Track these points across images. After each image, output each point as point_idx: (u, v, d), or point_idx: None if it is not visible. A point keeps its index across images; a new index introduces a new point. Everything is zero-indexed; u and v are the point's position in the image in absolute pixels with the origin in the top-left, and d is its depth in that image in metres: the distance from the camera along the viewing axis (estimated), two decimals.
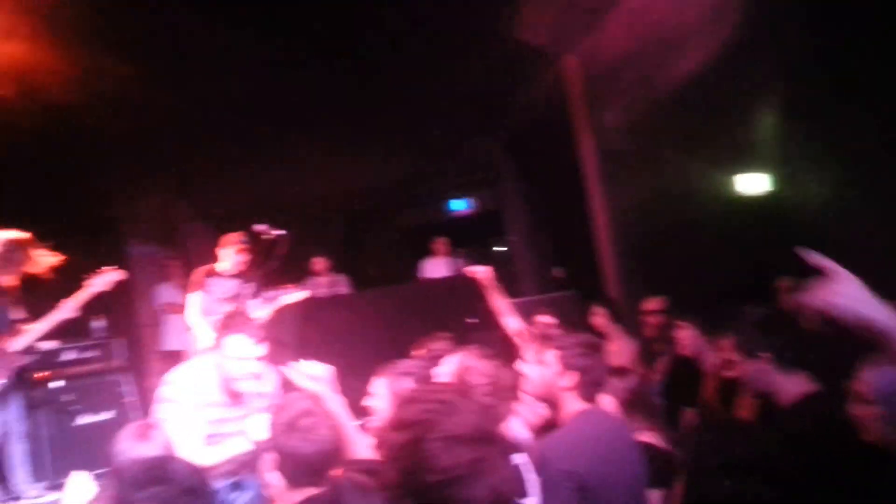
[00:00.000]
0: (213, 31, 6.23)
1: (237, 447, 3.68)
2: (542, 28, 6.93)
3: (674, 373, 5.36)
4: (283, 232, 6.36)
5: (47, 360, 5.99)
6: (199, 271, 6.39)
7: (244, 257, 6.39)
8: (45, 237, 5.29)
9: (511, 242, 11.29)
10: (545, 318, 5.22)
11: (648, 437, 3.61)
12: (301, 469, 2.50)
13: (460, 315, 7.06)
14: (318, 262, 9.08)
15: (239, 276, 6.42)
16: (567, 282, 9.55)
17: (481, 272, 5.20)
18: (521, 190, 10.35)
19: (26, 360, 5.18)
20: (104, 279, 5.23)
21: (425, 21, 6.52)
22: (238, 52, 6.60)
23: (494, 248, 12.75)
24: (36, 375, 5.86)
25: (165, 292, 8.54)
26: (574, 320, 5.52)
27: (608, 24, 6.84)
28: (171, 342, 8.31)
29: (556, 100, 7.80)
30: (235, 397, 3.86)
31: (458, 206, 11.69)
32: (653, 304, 6.01)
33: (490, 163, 10.34)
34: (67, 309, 5.15)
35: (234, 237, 6.41)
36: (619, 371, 4.26)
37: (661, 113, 6.63)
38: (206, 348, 5.45)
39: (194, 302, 6.29)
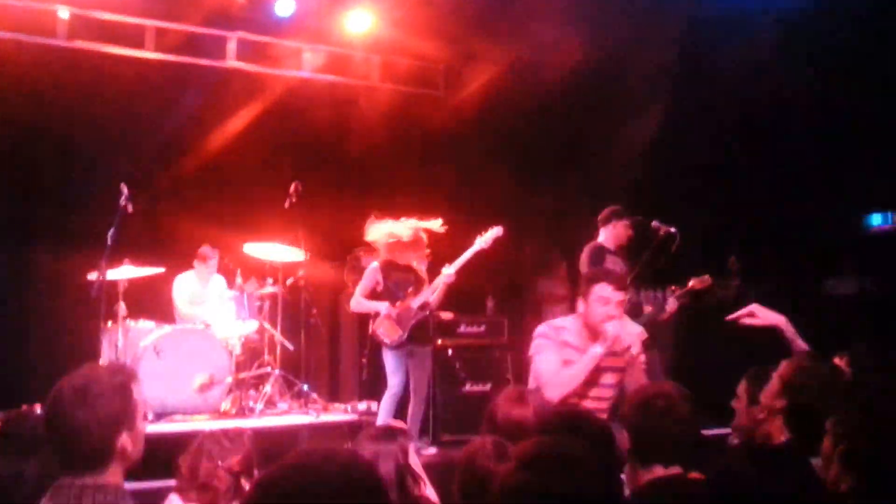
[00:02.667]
0: None
1: None
2: None
3: None
4: (673, 230, 6.19)
5: (445, 330, 6.57)
6: (589, 248, 6.35)
7: (625, 233, 6.33)
8: None
9: None
10: None
11: None
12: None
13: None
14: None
15: (620, 252, 6.34)
16: None
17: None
18: None
19: (424, 314, 5.79)
20: (487, 237, 5.70)
21: None
22: None
23: None
24: (437, 343, 6.52)
25: (545, 283, 8.80)
26: None
27: None
28: None
29: None
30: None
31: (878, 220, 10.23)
32: None
33: None
34: (459, 262, 5.78)
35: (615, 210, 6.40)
36: None
37: None
38: None
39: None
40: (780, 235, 7.13)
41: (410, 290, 5.88)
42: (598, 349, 3.96)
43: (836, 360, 3.40)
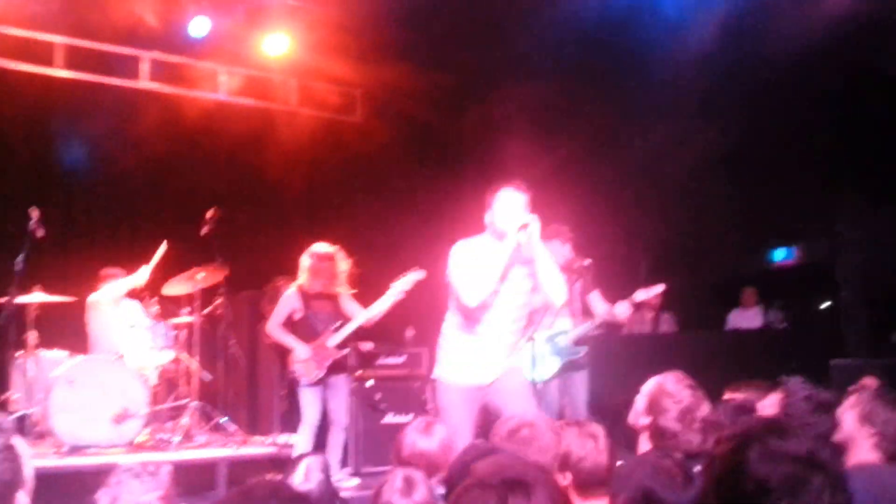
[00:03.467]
0: None
1: None
2: None
3: None
4: (589, 261, 6.35)
5: (365, 361, 6.63)
6: None
7: (568, 249, 6.06)
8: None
9: (842, 299, 10.26)
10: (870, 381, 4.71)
11: None
12: None
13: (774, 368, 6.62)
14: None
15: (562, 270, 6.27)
16: None
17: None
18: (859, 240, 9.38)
19: (341, 354, 5.84)
20: (407, 280, 5.78)
21: None
22: None
23: (820, 306, 11.66)
24: (356, 374, 6.57)
25: None
26: None
27: None
28: None
29: None
30: None
31: (780, 255, 10.92)
32: None
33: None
34: (374, 311, 5.80)
35: (561, 228, 6.06)
36: None
37: None
38: None
39: None
40: (686, 267, 7.51)
41: (330, 326, 5.91)
42: (510, 241, 4.16)
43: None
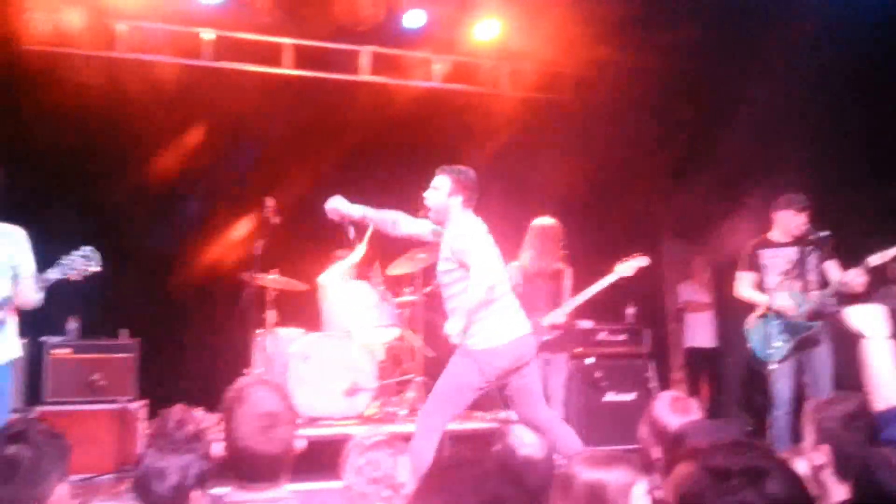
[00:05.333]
0: None
1: None
2: None
3: None
4: (827, 233, 5.88)
5: (585, 338, 6.56)
6: (748, 245, 5.95)
7: (803, 219, 5.72)
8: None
9: None
10: None
11: None
12: None
13: None
14: None
15: (797, 242, 5.79)
16: None
17: None
18: None
19: (553, 334, 5.80)
20: (630, 265, 5.64)
21: None
22: None
23: None
24: (575, 351, 6.53)
25: (687, 290, 8.62)
26: None
27: None
28: (690, 339, 8.43)
29: None
30: None
31: None
32: None
33: None
34: (593, 290, 5.71)
35: (795, 198, 5.81)
36: None
37: None
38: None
39: (743, 278, 5.89)
40: None
41: (543, 304, 5.89)
42: None
43: None
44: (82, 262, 4.20)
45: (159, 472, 2.37)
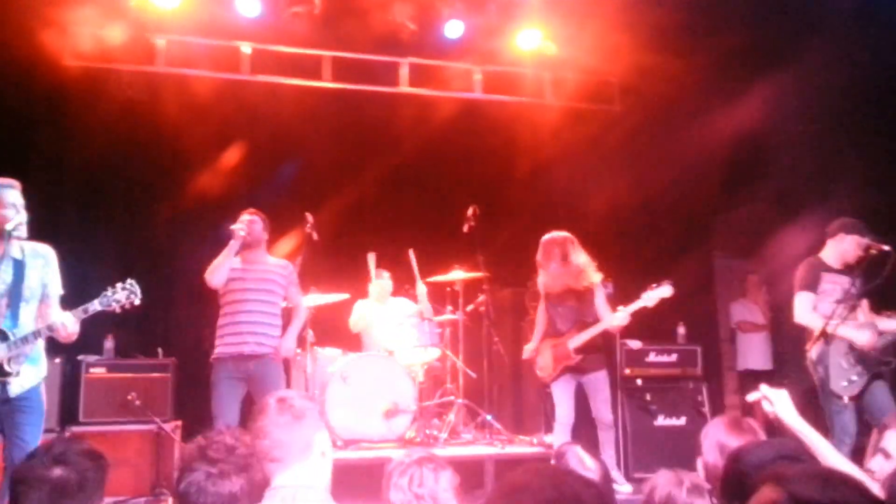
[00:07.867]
0: None
1: None
2: None
3: None
4: (888, 248, 5.50)
5: (633, 359, 6.28)
6: (810, 264, 5.45)
7: (864, 248, 5.29)
8: None
9: None
10: None
11: None
12: None
13: None
14: None
15: (850, 270, 5.36)
16: None
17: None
18: None
19: (574, 360, 5.55)
20: (653, 295, 5.40)
21: None
22: None
23: None
24: (625, 372, 6.26)
25: (741, 309, 8.26)
26: None
27: None
28: (744, 361, 8.05)
29: None
30: None
31: None
32: None
33: None
34: (619, 318, 5.49)
35: (858, 224, 5.40)
36: None
37: None
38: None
39: (807, 299, 5.40)
40: None
41: (570, 327, 5.65)
42: None
43: None
44: (125, 294, 4.18)
45: (212, 496, 2.24)
